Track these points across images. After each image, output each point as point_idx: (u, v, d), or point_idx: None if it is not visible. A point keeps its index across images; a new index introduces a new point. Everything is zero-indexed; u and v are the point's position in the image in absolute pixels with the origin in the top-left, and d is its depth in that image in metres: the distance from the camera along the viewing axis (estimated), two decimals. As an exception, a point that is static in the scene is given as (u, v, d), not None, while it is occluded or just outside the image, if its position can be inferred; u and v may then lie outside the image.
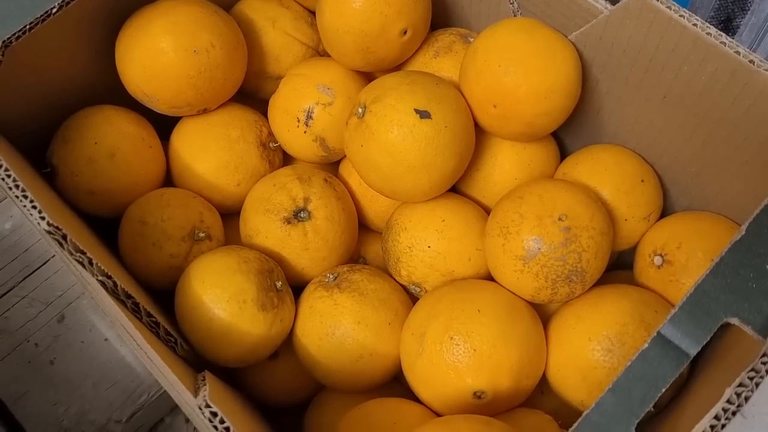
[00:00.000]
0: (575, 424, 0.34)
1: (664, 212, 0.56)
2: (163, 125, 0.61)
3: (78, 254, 0.42)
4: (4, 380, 0.65)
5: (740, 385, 0.33)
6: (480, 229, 0.54)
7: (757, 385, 0.33)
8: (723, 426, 0.33)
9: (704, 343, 0.35)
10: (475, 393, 0.47)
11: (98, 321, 0.68)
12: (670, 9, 0.45)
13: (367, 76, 0.61)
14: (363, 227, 0.63)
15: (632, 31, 0.48)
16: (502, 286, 0.52)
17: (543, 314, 0.54)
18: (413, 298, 0.56)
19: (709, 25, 0.44)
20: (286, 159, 0.65)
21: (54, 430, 0.63)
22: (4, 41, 0.46)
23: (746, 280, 0.36)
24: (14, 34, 0.47)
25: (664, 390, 0.34)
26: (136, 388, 0.65)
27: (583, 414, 0.34)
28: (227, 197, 0.60)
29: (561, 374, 0.50)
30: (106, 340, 0.68)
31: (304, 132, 0.58)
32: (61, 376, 0.66)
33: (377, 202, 0.60)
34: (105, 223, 0.57)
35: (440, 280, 0.54)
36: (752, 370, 0.33)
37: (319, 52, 0.64)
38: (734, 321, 0.35)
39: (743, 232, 0.37)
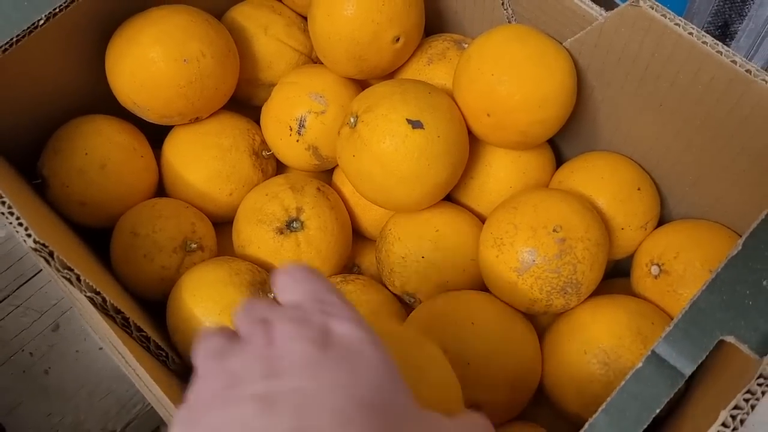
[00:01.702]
0: (568, 446, 0.33)
1: (661, 221, 0.55)
2: (155, 134, 0.60)
3: (65, 271, 0.41)
4: (-1, 390, 0.64)
5: (736, 407, 0.32)
6: (475, 239, 0.53)
7: (752, 407, 0.33)
8: (719, 448, 0.32)
9: (700, 362, 0.34)
10: (470, 406, 0.46)
11: (93, 330, 0.68)
12: (666, 17, 0.44)
13: (360, 84, 0.61)
14: (357, 235, 0.62)
15: (627, 38, 0.47)
16: (496, 297, 0.51)
17: (538, 326, 0.53)
18: (408, 308, 0.55)
19: (705, 33, 0.44)
20: (279, 167, 0.65)
21: (49, 441, 0.63)
22: (-10, 54, 0.46)
23: (743, 297, 0.36)
24: (1, 47, 0.46)
25: (658, 411, 0.34)
26: (131, 398, 0.65)
27: (576, 436, 0.33)
28: (220, 207, 0.59)
29: (556, 387, 0.49)
30: (100, 349, 0.67)
31: (297, 141, 0.58)
32: (56, 386, 0.66)
33: (371, 210, 0.60)
34: (98, 234, 0.57)
35: (434, 290, 0.53)
36: (748, 391, 0.33)
37: (312, 58, 0.63)
38: (730, 339, 0.35)
39: (740, 247, 0.36)
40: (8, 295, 0.70)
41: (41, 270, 0.71)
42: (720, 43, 0.43)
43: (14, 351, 0.67)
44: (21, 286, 0.70)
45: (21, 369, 0.66)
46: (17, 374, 0.66)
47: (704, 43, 0.43)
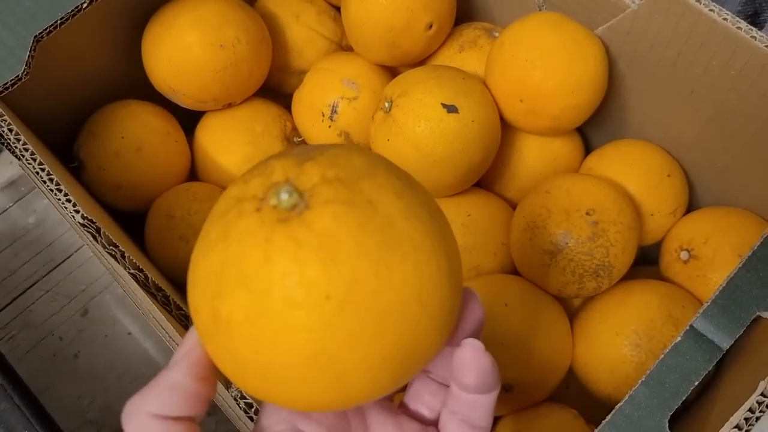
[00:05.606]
0: (609, 416, 0.34)
1: (690, 207, 0.56)
2: (187, 119, 0.61)
3: (111, 247, 0.42)
4: (30, 373, 0.65)
5: (775, 378, 0.33)
6: (505, 224, 0.54)
7: (792, 378, 0.33)
8: (757, 419, 0.33)
9: (737, 336, 0.35)
10: (502, 386, 0.47)
11: (122, 315, 0.69)
12: (700, 3, 0.45)
13: (391, 71, 0.61)
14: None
15: (660, 25, 0.48)
16: (528, 280, 0.52)
17: (568, 309, 0.54)
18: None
19: (739, 19, 0.44)
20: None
21: (79, 423, 0.64)
22: (35, 36, 0.47)
23: (779, 274, 0.36)
24: (45, 29, 0.47)
25: (696, 383, 0.34)
26: (159, 382, 0.66)
27: (616, 407, 0.34)
28: (252, 191, 0.60)
29: (588, 369, 0.50)
30: (129, 334, 0.68)
31: (329, 126, 0.59)
32: (85, 369, 0.67)
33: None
34: (127, 219, 0.57)
35: (466, 274, 0.54)
36: (787, 363, 0.33)
37: (342, 46, 0.64)
38: (766, 315, 0.35)
39: (776, 226, 0.37)
40: (38, 281, 0.71)
41: (70, 256, 0.72)
42: (754, 29, 0.44)
43: (44, 335, 0.68)
44: (50, 271, 0.71)
45: (51, 353, 0.67)
46: (47, 357, 0.67)
47: (738, 28, 0.44)
